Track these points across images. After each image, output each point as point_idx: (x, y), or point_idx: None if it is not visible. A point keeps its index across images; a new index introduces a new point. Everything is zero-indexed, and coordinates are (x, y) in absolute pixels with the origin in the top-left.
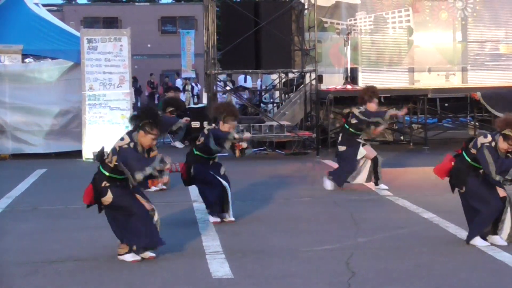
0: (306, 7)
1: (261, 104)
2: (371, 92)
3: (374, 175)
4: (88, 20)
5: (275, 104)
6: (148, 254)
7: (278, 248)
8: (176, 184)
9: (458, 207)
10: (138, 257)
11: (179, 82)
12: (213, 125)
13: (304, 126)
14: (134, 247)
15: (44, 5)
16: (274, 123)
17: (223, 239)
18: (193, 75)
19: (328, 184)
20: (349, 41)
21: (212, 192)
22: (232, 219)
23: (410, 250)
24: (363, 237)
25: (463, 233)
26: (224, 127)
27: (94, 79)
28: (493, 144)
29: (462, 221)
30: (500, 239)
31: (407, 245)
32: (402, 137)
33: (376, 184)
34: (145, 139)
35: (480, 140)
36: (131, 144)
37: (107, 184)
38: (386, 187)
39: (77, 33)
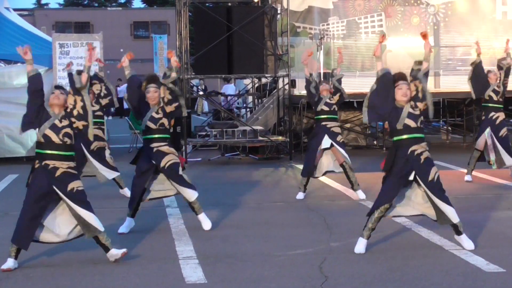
0: (278, 12)
1: (234, 109)
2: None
3: (348, 180)
4: (59, 25)
5: (248, 109)
6: (119, 252)
7: (251, 252)
8: None
9: None
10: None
11: (124, 88)
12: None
13: (277, 131)
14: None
15: (15, 10)
16: (247, 128)
17: (196, 244)
18: None
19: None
20: (322, 46)
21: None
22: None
23: (383, 254)
24: (336, 242)
25: (435, 238)
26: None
27: (66, 84)
28: None
29: (435, 225)
30: (466, 239)
31: (379, 249)
32: (375, 142)
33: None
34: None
35: None
36: None
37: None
38: (364, 196)
39: (49, 38)
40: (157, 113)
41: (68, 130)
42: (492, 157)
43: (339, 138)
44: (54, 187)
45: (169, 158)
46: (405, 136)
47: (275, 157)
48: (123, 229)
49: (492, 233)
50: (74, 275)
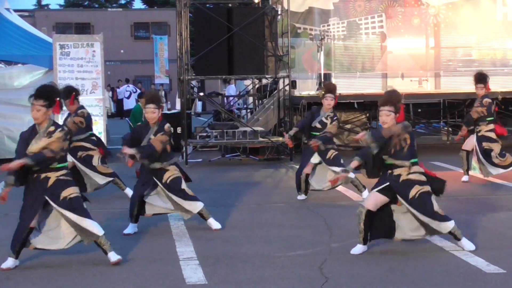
0: (279, 12)
1: (235, 110)
2: (325, 89)
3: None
4: (60, 26)
5: (248, 110)
6: (115, 257)
7: (251, 253)
8: None
9: None
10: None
11: (123, 89)
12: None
13: (277, 131)
14: None
15: (15, 11)
16: (248, 129)
17: (196, 245)
18: (167, 81)
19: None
20: (322, 47)
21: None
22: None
23: (383, 255)
24: (337, 243)
25: (436, 238)
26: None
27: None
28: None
29: None
30: (467, 242)
31: (380, 250)
32: None
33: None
34: (32, 113)
35: None
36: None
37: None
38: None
39: (49, 39)
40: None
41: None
42: (474, 162)
43: (328, 155)
44: (46, 197)
45: (170, 174)
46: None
47: (275, 158)
48: (128, 230)
49: (493, 234)
50: (74, 276)
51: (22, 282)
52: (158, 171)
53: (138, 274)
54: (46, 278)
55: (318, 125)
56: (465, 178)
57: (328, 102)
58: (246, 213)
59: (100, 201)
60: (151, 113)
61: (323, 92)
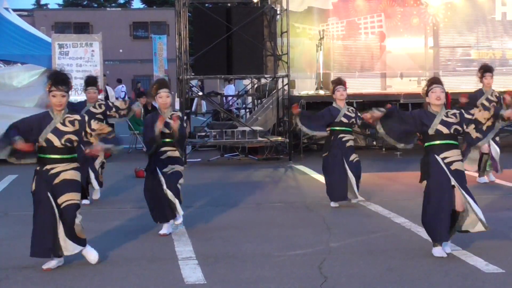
0: (278, 12)
1: (234, 110)
2: (334, 83)
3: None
4: (59, 25)
5: (247, 110)
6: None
7: (250, 253)
8: None
9: None
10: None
11: (118, 89)
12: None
13: (276, 131)
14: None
15: (14, 10)
16: (247, 129)
17: (195, 245)
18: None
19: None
20: (321, 47)
21: (149, 197)
22: (178, 222)
23: (382, 255)
24: (336, 242)
25: None
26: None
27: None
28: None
29: None
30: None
31: (379, 249)
32: (374, 142)
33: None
34: (52, 100)
35: None
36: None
37: (37, 168)
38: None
39: (48, 38)
40: (170, 118)
41: (70, 136)
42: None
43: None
44: (49, 195)
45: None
46: (437, 142)
47: (274, 157)
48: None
49: (492, 233)
50: (73, 275)
51: (21, 281)
52: (169, 159)
53: (137, 274)
54: (45, 277)
55: (344, 120)
56: (487, 178)
57: (341, 92)
58: (245, 213)
59: (100, 200)
60: (166, 97)
61: (332, 87)
